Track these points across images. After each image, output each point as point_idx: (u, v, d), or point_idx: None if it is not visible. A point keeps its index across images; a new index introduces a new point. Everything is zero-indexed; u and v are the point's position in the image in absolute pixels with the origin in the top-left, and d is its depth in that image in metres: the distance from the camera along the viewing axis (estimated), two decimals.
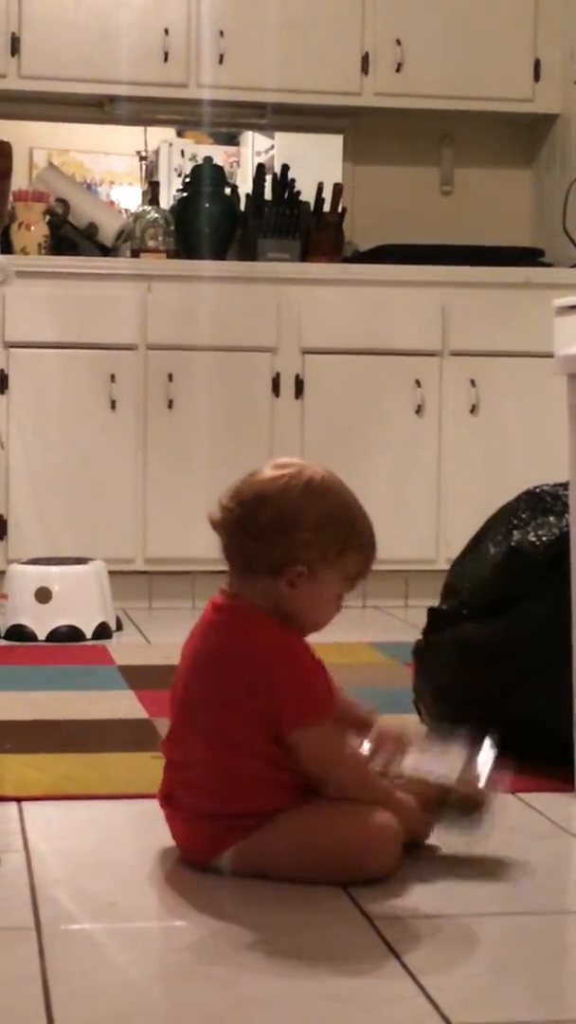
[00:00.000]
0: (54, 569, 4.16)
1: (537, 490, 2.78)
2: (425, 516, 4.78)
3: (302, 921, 1.90)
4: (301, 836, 2.02)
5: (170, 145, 5.47)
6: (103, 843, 2.24)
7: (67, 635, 4.05)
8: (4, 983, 1.69)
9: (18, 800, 2.44)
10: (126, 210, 5.30)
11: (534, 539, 2.68)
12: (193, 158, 5.34)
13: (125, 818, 2.21)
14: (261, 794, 2.03)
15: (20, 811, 2.39)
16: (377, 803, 2.05)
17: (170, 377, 4.65)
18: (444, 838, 2.19)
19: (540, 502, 2.74)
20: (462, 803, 2.13)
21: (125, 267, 4.77)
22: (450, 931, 1.90)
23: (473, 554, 2.83)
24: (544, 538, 2.67)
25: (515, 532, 2.72)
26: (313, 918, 1.91)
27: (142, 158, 5.49)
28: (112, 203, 5.45)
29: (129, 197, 5.44)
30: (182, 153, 5.49)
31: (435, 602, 2.94)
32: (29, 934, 1.84)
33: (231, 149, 5.59)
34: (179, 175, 5.28)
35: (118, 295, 4.66)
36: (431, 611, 2.89)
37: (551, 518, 2.68)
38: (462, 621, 2.78)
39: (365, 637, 4.19)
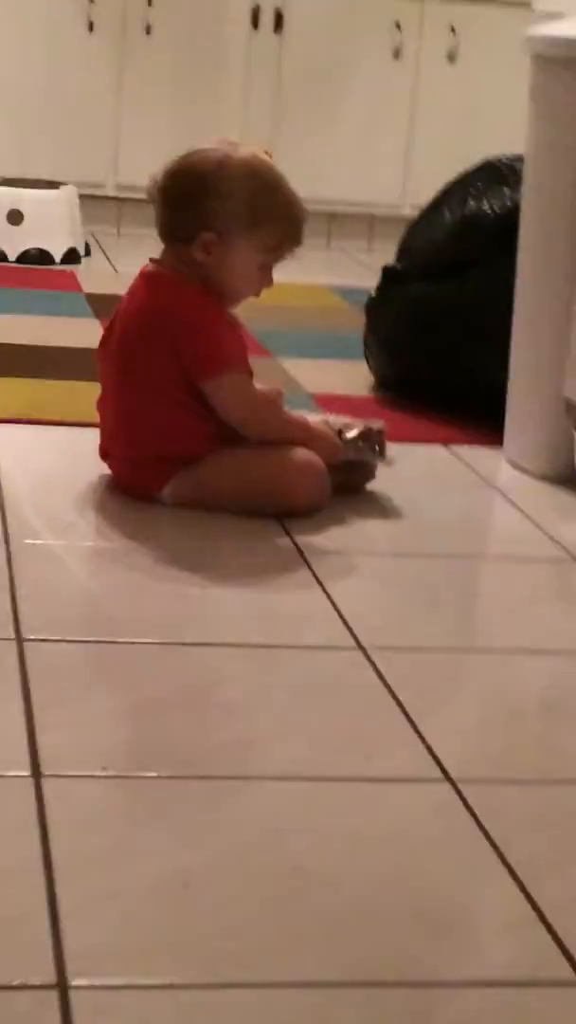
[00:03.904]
0: (26, 192, 4.25)
1: (495, 161, 2.89)
2: (394, 161, 4.85)
3: (240, 548, 2.15)
4: (232, 473, 2.26)
5: None
6: (69, 467, 2.44)
7: (37, 258, 4.18)
8: None
9: None
10: None
11: (488, 209, 2.82)
12: None
13: (91, 445, 2.41)
14: (188, 440, 2.25)
15: None
16: (296, 440, 2.28)
17: (149, 2, 4.63)
18: (380, 486, 2.43)
19: (496, 172, 2.86)
20: (362, 435, 2.37)
21: None
22: (374, 567, 2.15)
23: (430, 218, 2.97)
24: (497, 208, 2.81)
25: (471, 200, 2.85)
26: (250, 547, 2.16)
27: None
28: None
29: None
30: None
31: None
32: None
33: None
34: None
35: None
36: (385, 269, 3.05)
37: (505, 189, 2.81)
38: (415, 281, 2.94)
39: (327, 279, 4.33)
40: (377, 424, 2.42)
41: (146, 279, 2.30)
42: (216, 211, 2.20)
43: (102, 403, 2.36)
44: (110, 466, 2.37)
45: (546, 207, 2.55)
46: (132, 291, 2.33)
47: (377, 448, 2.40)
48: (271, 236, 2.24)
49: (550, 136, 2.53)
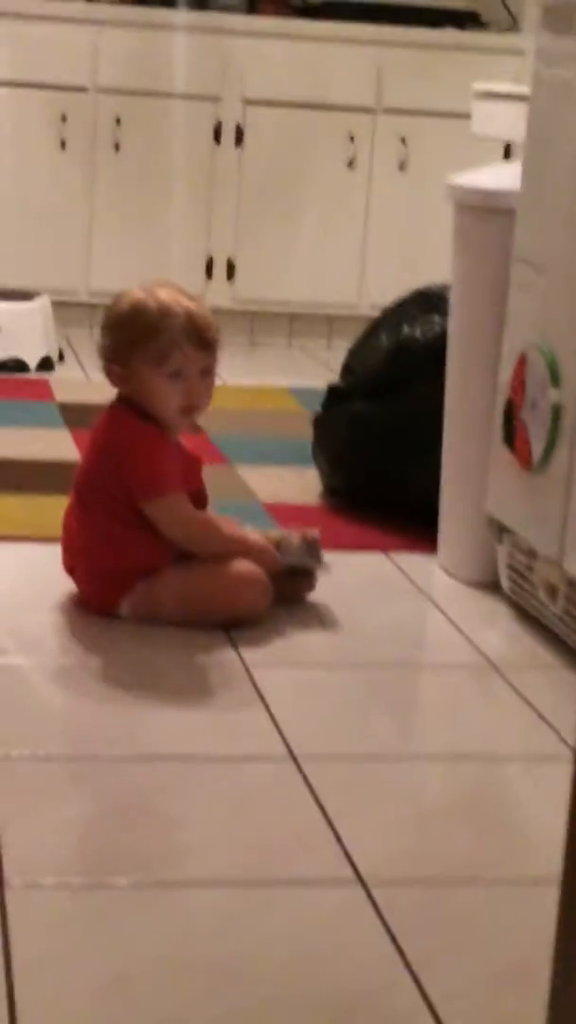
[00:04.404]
0: (2, 304, 4.50)
1: (426, 290, 3.14)
2: (351, 264, 5.11)
3: (189, 663, 2.37)
4: (181, 586, 2.50)
5: None
6: (37, 583, 2.66)
7: (12, 367, 4.43)
8: None
9: None
10: None
11: (419, 335, 3.07)
12: None
13: (57, 561, 2.62)
14: (139, 551, 2.50)
15: None
16: (235, 553, 2.52)
17: (118, 121, 4.90)
18: (321, 595, 2.65)
19: (428, 301, 3.11)
20: (300, 543, 2.61)
21: (79, 11, 4.94)
22: (311, 678, 2.38)
23: (369, 341, 3.22)
24: (429, 334, 3.06)
25: (404, 326, 3.10)
26: (198, 661, 2.38)
27: None
28: None
29: None
30: None
31: None
32: None
33: None
34: None
35: (71, 38, 4.86)
36: (329, 388, 3.30)
37: (436, 316, 3.06)
38: (357, 399, 3.19)
39: (285, 380, 4.58)
40: (312, 532, 2.65)
41: (106, 411, 2.56)
42: (109, 345, 2.50)
43: (67, 520, 2.60)
44: (75, 581, 2.59)
45: (469, 337, 2.79)
46: (97, 421, 2.58)
47: (313, 554, 2.63)
48: (156, 348, 2.47)
49: (470, 274, 2.78)
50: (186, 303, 2.49)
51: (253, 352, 5.08)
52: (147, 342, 2.47)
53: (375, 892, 1.73)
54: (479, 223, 2.73)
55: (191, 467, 2.58)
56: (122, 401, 2.55)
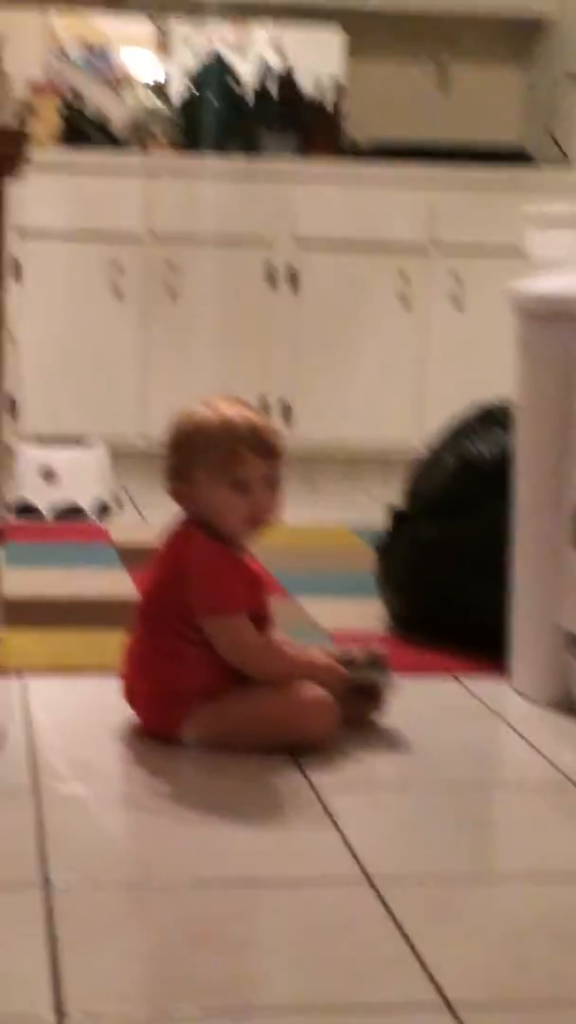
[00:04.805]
0: (60, 452, 4.48)
1: (487, 406, 3.08)
2: (409, 404, 5.08)
3: (256, 787, 2.26)
4: (245, 710, 2.40)
5: None
6: (97, 714, 2.57)
7: (70, 512, 4.38)
8: (5, 834, 2.05)
9: (21, 673, 2.79)
10: (144, 84, 5.38)
11: (484, 451, 2.99)
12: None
13: (117, 693, 2.54)
14: (202, 670, 2.41)
15: (23, 684, 2.74)
16: (300, 675, 2.42)
17: (173, 268, 4.93)
18: (390, 718, 2.55)
19: (492, 417, 3.05)
20: (365, 658, 2.52)
21: (133, 162, 5.01)
22: (383, 800, 2.26)
23: (432, 461, 3.15)
24: (494, 451, 2.98)
25: (468, 444, 3.03)
26: (265, 785, 2.27)
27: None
28: (122, 78, 5.54)
29: (144, 62, 5.50)
30: None
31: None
32: (28, 794, 2.20)
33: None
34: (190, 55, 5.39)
35: (126, 188, 4.92)
36: (393, 513, 3.22)
37: (500, 432, 2.99)
38: (421, 522, 3.10)
39: (346, 518, 4.52)
40: (376, 647, 2.56)
41: (172, 530, 2.50)
42: (173, 463, 2.45)
43: (129, 648, 2.51)
44: (135, 710, 2.50)
45: (536, 446, 2.72)
46: (163, 541, 2.52)
47: (379, 668, 2.53)
48: (219, 458, 2.41)
49: (536, 384, 2.71)
50: (247, 413, 2.45)
51: (313, 494, 5.02)
52: (210, 453, 2.42)
53: (464, 1017, 1.59)
54: (543, 329, 2.67)
55: (256, 586, 2.50)
56: (189, 520, 2.49)
